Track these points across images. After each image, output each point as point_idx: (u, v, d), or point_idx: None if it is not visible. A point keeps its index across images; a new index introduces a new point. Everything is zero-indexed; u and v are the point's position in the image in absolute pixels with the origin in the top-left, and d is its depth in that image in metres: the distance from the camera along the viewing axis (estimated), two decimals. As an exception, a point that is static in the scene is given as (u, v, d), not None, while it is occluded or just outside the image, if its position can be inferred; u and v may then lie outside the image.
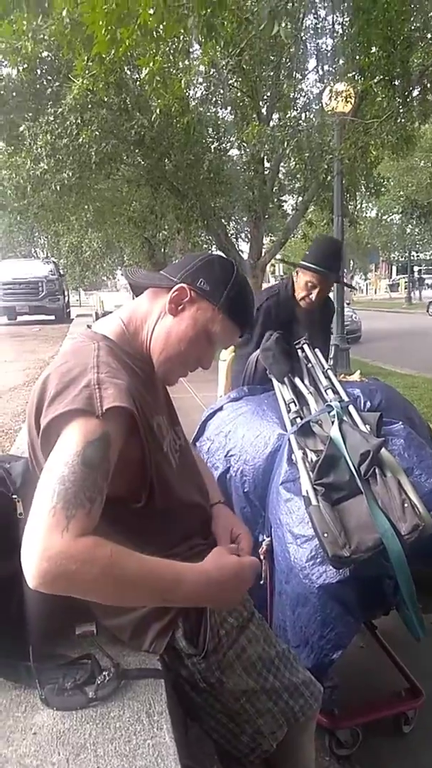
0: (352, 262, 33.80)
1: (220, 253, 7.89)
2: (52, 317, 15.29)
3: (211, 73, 7.75)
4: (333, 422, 1.84)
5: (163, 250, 16.49)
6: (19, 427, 4.13)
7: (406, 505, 1.56)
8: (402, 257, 36.55)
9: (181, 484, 1.28)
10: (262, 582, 1.90)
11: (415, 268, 35.55)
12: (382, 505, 1.60)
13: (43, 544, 0.92)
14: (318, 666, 1.57)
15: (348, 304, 14.83)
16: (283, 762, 1.41)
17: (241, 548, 1.31)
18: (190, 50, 6.70)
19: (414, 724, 2.00)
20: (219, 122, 9.92)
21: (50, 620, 1.22)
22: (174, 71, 6.18)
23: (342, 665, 1.76)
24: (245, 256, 11.02)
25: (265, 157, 9.45)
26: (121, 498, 1.17)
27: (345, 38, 7.63)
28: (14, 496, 1.16)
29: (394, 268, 42.84)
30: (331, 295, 2.90)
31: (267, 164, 10.26)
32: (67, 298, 17.59)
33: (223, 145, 9.98)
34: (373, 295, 40.30)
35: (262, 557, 1.90)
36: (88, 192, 9.72)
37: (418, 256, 37.11)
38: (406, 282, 31.99)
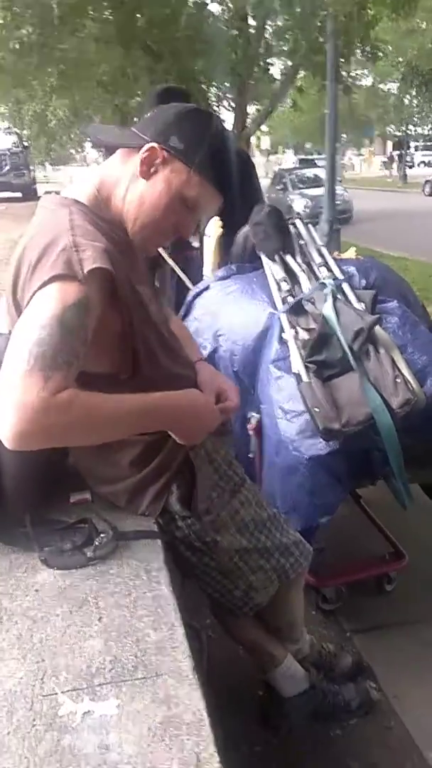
0: (344, 135, 31.91)
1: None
2: (19, 194, 14.49)
3: None
4: (326, 300, 1.81)
5: (136, 119, 15.34)
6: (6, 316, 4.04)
7: (398, 380, 1.57)
8: (398, 131, 34.55)
9: (168, 355, 1.26)
10: (251, 456, 1.96)
11: (412, 144, 33.76)
12: (374, 381, 1.61)
13: (19, 405, 0.92)
14: (306, 530, 1.64)
15: (339, 181, 14.20)
16: (273, 613, 1.52)
17: (231, 398, 1.34)
18: None
19: (395, 583, 2.15)
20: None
21: (43, 488, 1.25)
22: None
23: (329, 531, 1.86)
24: (229, 126, 10.31)
25: (250, 12, 8.56)
26: (108, 373, 1.16)
27: None
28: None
29: (390, 144, 40.67)
30: (320, 171, 2.70)
31: (252, 22, 9.32)
32: (33, 173, 16.59)
33: (203, -2, 9.00)
34: (367, 173, 38.57)
35: (251, 433, 1.94)
36: (51, 52, 8.77)
37: (415, 130, 35.07)
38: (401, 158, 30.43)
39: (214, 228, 2.42)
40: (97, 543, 1.15)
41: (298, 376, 1.68)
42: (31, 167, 16.25)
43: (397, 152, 32.46)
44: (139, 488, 1.26)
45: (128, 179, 1.16)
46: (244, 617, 1.46)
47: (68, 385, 0.96)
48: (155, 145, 1.13)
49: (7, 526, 1.18)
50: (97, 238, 1.05)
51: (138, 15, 7.77)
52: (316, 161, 23.69)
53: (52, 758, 0.77)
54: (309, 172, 16.92)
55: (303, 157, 33.46)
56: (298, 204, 13.88)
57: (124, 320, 1.11)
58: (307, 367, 1.67)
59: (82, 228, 1.05)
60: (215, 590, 1.37)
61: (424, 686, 1.77)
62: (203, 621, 1.86)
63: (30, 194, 14.60)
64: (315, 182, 14.64)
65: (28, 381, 0.92)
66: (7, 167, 14.24)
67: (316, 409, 1.56)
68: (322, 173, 10.73)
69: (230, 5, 8.62)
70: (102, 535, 1.16)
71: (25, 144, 15.58)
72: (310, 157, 32.31)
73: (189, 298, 2.32)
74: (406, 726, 1.65)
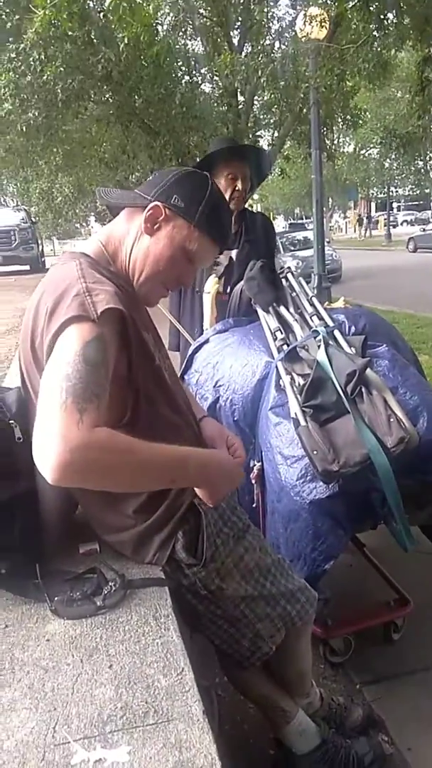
0: (330, 200, 33.20)
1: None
2: (27, 267, 14.97)
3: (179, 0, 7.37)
4: (319, 346, 1.87)
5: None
6: (3, 373, 4.12)
7: (392, 420, 1.61)
8: (381, 193, 36.00)
9: (169, 404, 1.30)
10: (254, 505, 1.97)
11: (394, 205, 35.05)
12: (368, 422, 1.64)
13: (61, 437, 0.94)
14: (311, 576, 1.64)
15: (328, 242, 14.67)
16: (282, 664, 1.50)
17: (239, 455, 1.37)
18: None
19: (402, 632, 2.11)
20: (189, 55, 9.49)
21: (54, 540, 1.26)
22: (140, -2, 5.87)
23: (334, 581, 1.84)
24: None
25: (239, 89, 9.11)
26: (109, 418, 1.20)
27: (317, -41, 7.29)
28: (11, 422, 1.18)
29: (373, 205, 42.20)
30: (309, 233, 2.90)
31: (241, 98, 9.90)
32: (41, 247, 17.20)
33: (195, 78, 9.58)
34: (353, 234, 39.83)
35: (253, 481, 1.96)
36: (57, 133, 9.32)
37: (396, 191, 36.57)
38: (385, 219, 31.66)
39: (211, 285, 2.51)
40: (105, 592, 1.16)
41: (295, 421, 1.72)
42: (39, 241, 16.85)
43: (381, 213, 33.63)
44: (144, 537, 1.27)
45: (133, 236, 1.25)
46: (254, 670, 1.43)
47: (101, 418, 1.00)
48: (159, 203, 1.22)
49: (18, 578, 1.18)
50: (106, 283, 1.13)
51: (135, 96, 8.26)
52: (305, 225, 24.55)
53: (64, 807, 0.77)
54: (299, 235, 17.52)
55: (293, 221, 34.69)
56: (290, 265, 14.29)
57: (129, 362, 1.16)
58: (304, 412, 1.71)
59: (91, 276, 1.13)
60: (223, 641, 1.35)
61: (440, 737, 1.72)
62: (213, 680, 1.83)
63: (38, 267, 15.12)
64: (305, 244, 15.15)
65: (66, 414, 0.96)
66: (17, 242, 14.81)
67: (314, 452, 1.59)
68: (311, 235, 11.10)
69: (220, 84, 9.16)
70: (110, 583, 1.17)
71: (33, 220, 16.24)
72: (300, 221, 33.49)
73: (189, 351, 2.39)
74: (422, 780, 1.59)
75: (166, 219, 1.23)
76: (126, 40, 6.30)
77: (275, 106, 9.83)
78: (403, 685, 1.94)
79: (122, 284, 1.22)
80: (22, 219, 15.48)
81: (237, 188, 2.55)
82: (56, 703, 0.93)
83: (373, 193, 38.24)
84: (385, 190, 33.34)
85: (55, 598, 1.14)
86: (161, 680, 0.97)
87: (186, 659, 1.02)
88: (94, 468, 0.98)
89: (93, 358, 1.01)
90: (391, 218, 32.93)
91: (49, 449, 0.94)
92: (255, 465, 1.95)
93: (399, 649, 2.08)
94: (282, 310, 2.17)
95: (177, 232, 1.23)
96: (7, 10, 7.74)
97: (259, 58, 7.98)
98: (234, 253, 2.63)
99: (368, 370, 1.74)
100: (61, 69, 7.17)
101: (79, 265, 1.15)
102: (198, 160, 10.17)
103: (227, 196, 2.54)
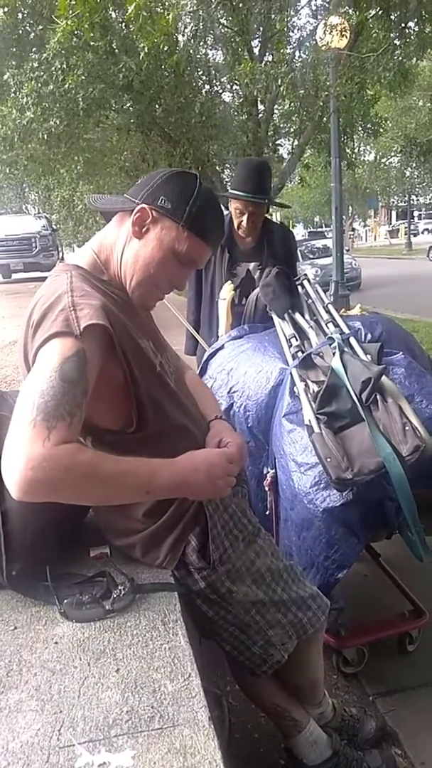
0: (351, 208, 33.17)
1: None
2: (47, 274, 15.20)
3: (199, 10, 7.44)
4: (334, 353, 1.86)
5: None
6: (21, 378, 4.17)
7: (407, 428, 1.59)
8: (402, 202, 35.89)
9: (177, 407, 1.29)
10: (267, 513, 1.96)
11: (415, 213, 34.88)
12: (383, 429, 1.62)
13: (25, 454, 0.95)
14: (324, 585, 1.63)
15: (347, 251, 14.63)
16: (294, 672, 1.48)
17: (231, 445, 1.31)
18: (177, -16, 6.41)
19: (417, 643, 2.08)
20: (209, 64, 9.59)
21: (64, 543, 1.27)
22: (161, 7, 5.94)
23: (348, 591, 1.81)
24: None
25: (259, 98, 9.18)
26: (117, 428, 1.21)
27: (337, -32, 7.33)
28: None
29: (394, 214, 42.07)
30: (328, 242, 2.93)
31: (261, 106, 9.97)
32: (61, 254, 17.44)
33: (215, 88, 9.68)
34: (373, 242, 39.66)
35: (267, 489, 1.95)
36: (78, 142, 9.48)
37: (417, 200, 36.40)
38: (405, 228, 31.52)
39: (227, 291, 2.52)
40: (114, 595, 1.15)
41: (309, 428, 1.71)
42: (59, 249, 17.09)
43: (401, 222, 33.49)
44: (154, 539, 1.27)
45: (123, 241, 1.25)
46: (266, 679, 1.41)
47: (72, 437, 1.00)
48: (145, 206, 1.22)
49: (29, 580, 1.19)
50: (93, 296, 1.13)
51: (156, 105, 8.37)
52: (324, 233, 24.51)
53: (68, 810, 0.76)
54: (318, 243, 17.49)
55: (312, 230, 34.71)
56: (309, 273, 14.24)
57: (125, 372, 1.16)
58: (318, 419, 1.70)
59: (79, 289, 1.13)
60: (234, 647, 1.34)
61: (454, 752, 1.69)
62: (224, 688, 1.82)
63: (58, 274, 15.32)
64: (324, 252, 15.12)
65: (33, 432, 0.96)
66: (37, 249, 15.12)
67: (328, 459, 1.57)
68: (330, 243, 11.09)
69: (240, 92, 9.25)
70: (120, 587, 1.17)
71: (54, 227, 16.51)
72: (319, 229, 33.52)
73: (204, 357, 2.39)
74: (436, 795, 1.56)
75: (154, 221, 1.22)
76: (146, 50, 6.37)
77: (295, 115, 9.89)
78: (418, 697, 1.91)
79: (115, 292, 1.22)
80: (43, 226, 15.75)
81: (242, 223, 2.60)
82: (62, 705, 0.93)
83: (393, 202, 38.15)
84: (406, 198, 33.22)
85: (65, 601, 1.14)
86: (168, 685, 0.97)
87: (193, 665, 1.01)
88: (58, 485, 0.98)
89: (69, 376, 1.01)
90: (412, 227, 32.77)
91: (14, 466, 0.95)
92: (268, 472, 1.94)
93: (413, 661, 2.05)
94: (297, 316, 2.17)
95: (165, 234, 1.22)
96: (31, 21, 7.90)
97: (280, 67, 8.02)
98: (251, 266, 2.64)
99: (384, 378, 1.72)
100: (83, 78, 7.30)
101: (69, 278, 1.15)
102: (218, 168, 10.22)
103: (243, 223, 2.59)
